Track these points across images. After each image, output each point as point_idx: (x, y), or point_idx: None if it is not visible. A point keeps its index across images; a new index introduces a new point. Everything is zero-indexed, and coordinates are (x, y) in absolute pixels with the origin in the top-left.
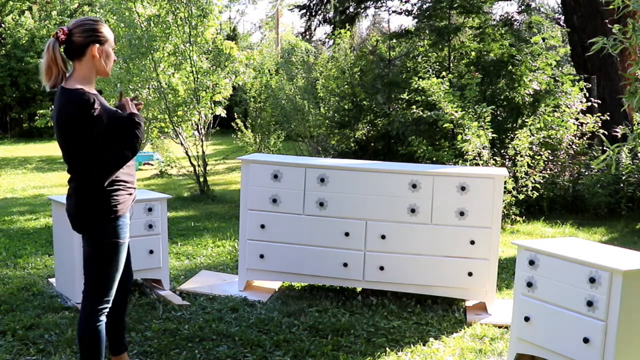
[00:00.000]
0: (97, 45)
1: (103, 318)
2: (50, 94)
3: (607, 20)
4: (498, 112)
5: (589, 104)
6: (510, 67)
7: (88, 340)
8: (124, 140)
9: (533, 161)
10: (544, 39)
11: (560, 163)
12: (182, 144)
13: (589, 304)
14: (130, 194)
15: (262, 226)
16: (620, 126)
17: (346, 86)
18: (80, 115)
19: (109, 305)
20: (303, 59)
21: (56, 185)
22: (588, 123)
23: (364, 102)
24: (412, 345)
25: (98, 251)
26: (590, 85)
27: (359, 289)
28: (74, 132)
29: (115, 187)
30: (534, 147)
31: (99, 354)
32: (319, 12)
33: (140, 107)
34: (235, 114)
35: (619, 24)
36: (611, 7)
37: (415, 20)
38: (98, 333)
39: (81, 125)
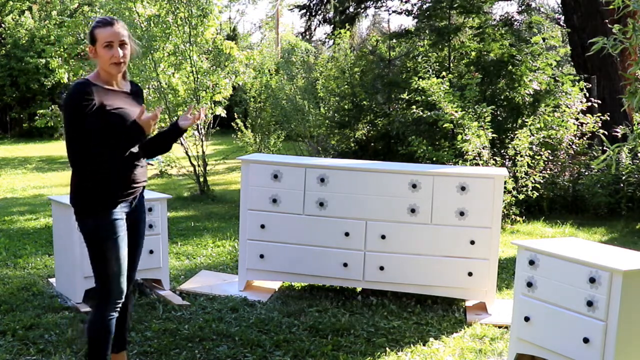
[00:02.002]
0: (90, 46)
1: (110, 314)
2: (50, 94)
3: (607, 20)
4: (498, 112)
5: (589, 104)
6: (510, 67)
7: (94, 333)
8: (116, 141)
9: (533, 161)
10: (544, 39)
11: (560, 163)
12: (182, 143)
13: (589, 304)
14: (119, 190)
15: (262, 226)
16: (620, 126)
17: (346, 86)
18: (69, 101)
19: (119, 300)
20: (303, 59)
21: (56, 185)
22: (588, 123)
23: (364, 102)
24: (412, 345)
25: (88, 246)
26: (590, 85)
27: (359, 289)
28: (65, 116)
29: (101, 182)
30: (534, 147)
31: (104, 348)
32: (319, 12)
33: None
34: (235, 114)
35: (619, 24)
36: (611, 7)
37: (415, 20)
38: (103, 328)
39: (70, 110)
